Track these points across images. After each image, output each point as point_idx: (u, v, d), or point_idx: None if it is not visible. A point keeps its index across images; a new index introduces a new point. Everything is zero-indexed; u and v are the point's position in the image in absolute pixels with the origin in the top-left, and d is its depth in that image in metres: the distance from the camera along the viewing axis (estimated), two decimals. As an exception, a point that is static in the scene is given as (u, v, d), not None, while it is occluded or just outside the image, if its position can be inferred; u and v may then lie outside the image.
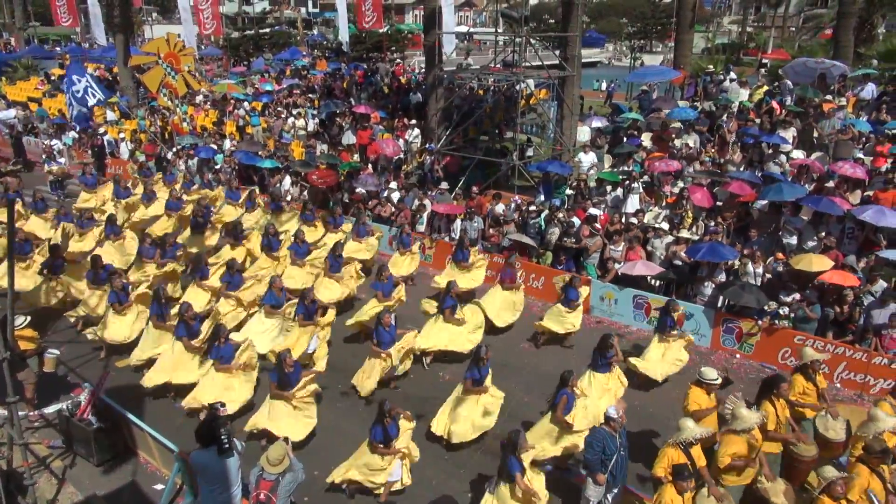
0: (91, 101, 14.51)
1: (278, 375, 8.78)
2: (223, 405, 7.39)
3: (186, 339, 10.07)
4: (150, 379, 9.91)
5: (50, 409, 9.30)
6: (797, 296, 11.10)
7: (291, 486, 6.63)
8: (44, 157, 22.02)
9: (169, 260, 13.16)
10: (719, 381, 8.28)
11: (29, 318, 9.76)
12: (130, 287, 11.75)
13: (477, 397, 8.93)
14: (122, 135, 23.22)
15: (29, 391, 9.46)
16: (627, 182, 15.04)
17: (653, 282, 12.81)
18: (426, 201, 15.76)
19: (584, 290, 12.05)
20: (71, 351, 11.27)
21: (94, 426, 8.56)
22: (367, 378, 10.07)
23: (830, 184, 13.62)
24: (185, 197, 16.88)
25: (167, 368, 9.99)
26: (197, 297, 12.07)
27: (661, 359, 10.54)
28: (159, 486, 8.21)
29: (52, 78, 32.18)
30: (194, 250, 14.17)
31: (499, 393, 9.19)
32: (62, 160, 21.94)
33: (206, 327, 10.75)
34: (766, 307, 11.04)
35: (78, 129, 23.46)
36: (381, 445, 7.81)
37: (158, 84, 21.57)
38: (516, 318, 12.24)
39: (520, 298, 12.25)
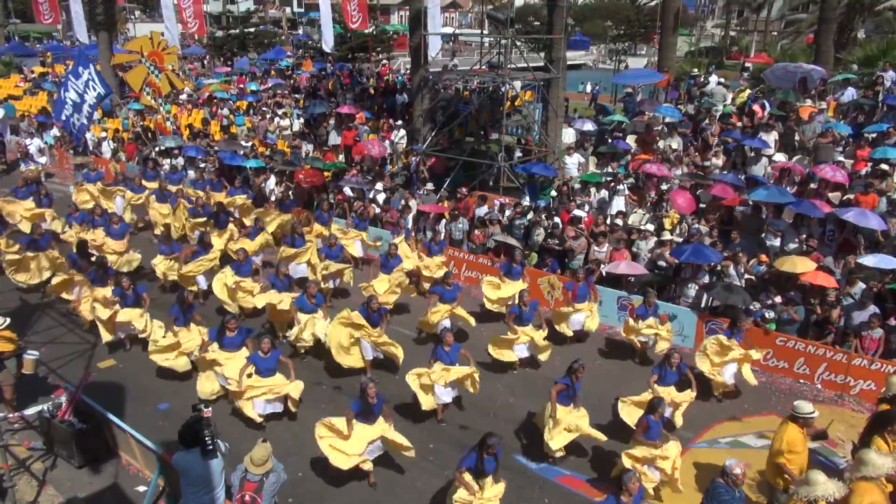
0: (90, 97, 13.98)
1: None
2: (207, 406, 7.32)
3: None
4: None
5: (30, 411, 9.19)
6: (779, 298, 11.23)
7: (276, 486, 6.60)
8: (19, 156, 21.66)
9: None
10: (816, 414, 7.27)
11: (9, 319, 9.62)
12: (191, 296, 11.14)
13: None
14: (104, 133, 22.98)
15: (7, 393, 9.33)
16: (612, 184, 15.13)
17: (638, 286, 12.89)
18: (412, 202, 15.76)
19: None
20: (51, 352, 11.13)
21: (76, 427, 8.46)
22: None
23: (812, 186, 13.79)
24: (171, 189, 16.95)
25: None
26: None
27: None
28: (142, 488, 8.13)
29: (33, 75, 31.80)
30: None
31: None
32: (42, 159, 21.63)
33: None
34: (750, 307, 11.15)
35: (58, 127, 23.17)
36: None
37: (142, 83, 21.41)
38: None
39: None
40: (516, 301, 11.33)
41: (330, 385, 10.51)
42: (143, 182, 17.68)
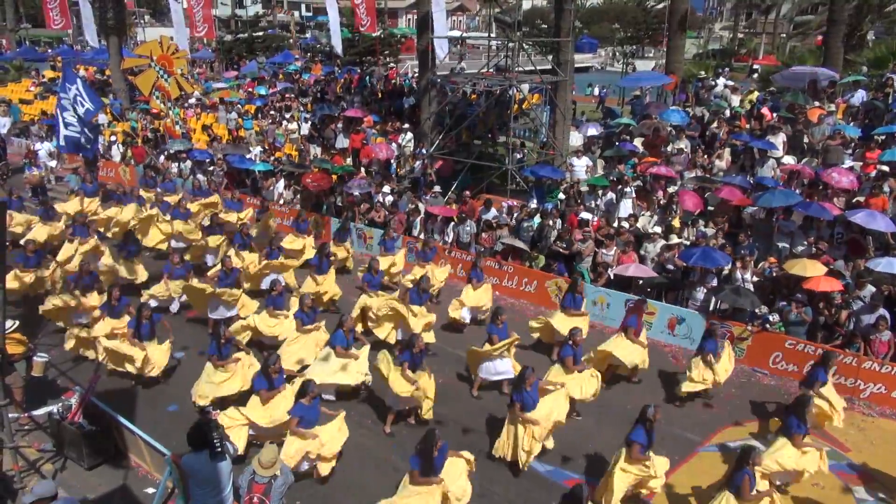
0: (80, 111, 13.34)
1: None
2: (214, 409, 7.35)
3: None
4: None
5: (40, 412, 9.25)
6: (783, 302, 11.18)
7: (283, 488, 6.63)
8: (25, 161, 21.75)
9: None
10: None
11: (17, 322, 9.69)
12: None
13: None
14: (113, 137, 23.13)
15: (17, 395, 9.38)
16: (620, 187, 15.11)
17: (648, 289, 12.87)
18: (419, 205, 15.79)
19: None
20: (61, 355, 11.19)
21: (85, 429, 8.51)
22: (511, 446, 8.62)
23: (821, 188, 13.73)
24: (190, 207, 16.55)
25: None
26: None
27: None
28: (150, 490, 8.17)
29: (44, 79, 32.05)
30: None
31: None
32: (53, 163, 21.76)
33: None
34: (758, 310, 11.11)
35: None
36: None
37: (151, 87, 21.55)
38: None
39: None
40: (568, 339, 9.71)
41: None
42: (142, 191, 17.55)
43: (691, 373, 10.00)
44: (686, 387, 10.02)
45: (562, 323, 11.08)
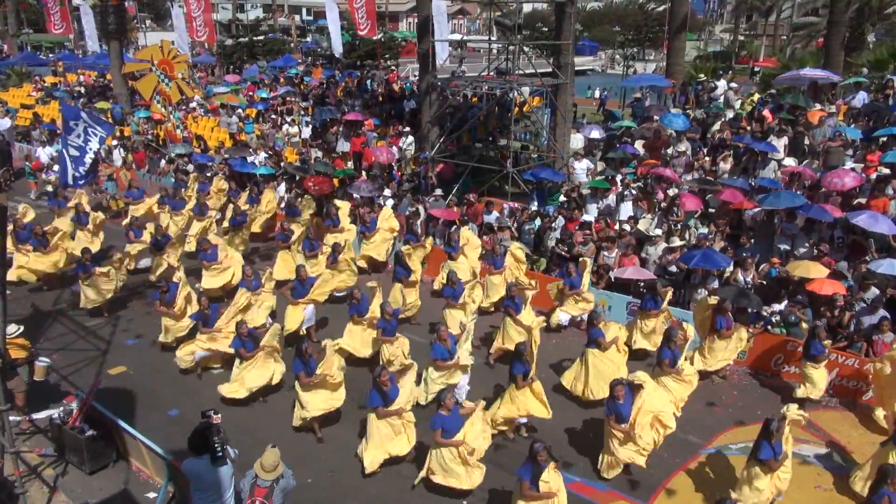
0: (93, 146, 13.11)
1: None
2: (216, 412, 7.35)
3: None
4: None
5: (41, 416, 9.26)
6: (784, 304, 11.17)
7: (286, 492, 6.62)
8: (27, 165, 21.65)
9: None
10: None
11: (22, 327, 9.71)
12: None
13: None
14: (115, 141, 23.16)
15: (19, 399, 9.40)
16: (620, 189, 15.10)
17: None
18: (420, 208, 15.79)
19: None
20: (63, 359, 11.21)
21: (87, 434, 8.51)
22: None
23: (822, 190, 13.71)
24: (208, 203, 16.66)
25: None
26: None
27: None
28: (152, 495, 8.18)
29: (45, 85, 32.13)
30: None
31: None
32: (56, 167, 21.75)
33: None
34: (765, 310, 11.10)
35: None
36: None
37: (152, 91, 21.57)
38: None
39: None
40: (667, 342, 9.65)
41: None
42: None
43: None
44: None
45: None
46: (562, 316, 12.35)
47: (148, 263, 14.42)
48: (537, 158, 19.80)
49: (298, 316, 11.52)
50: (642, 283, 12.43)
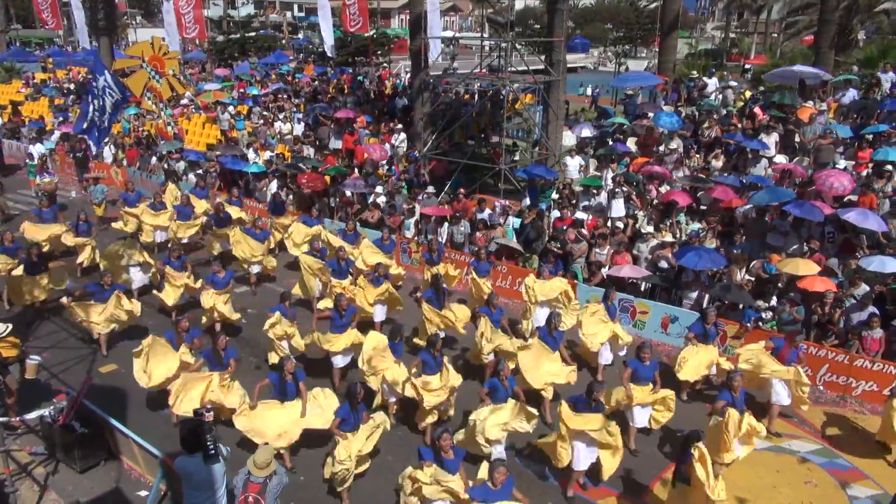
0: (108, 104, 13.02)
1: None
2: (209, 410, 7.31)
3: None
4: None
5: (32, 415, 9.19)
6: (774, 300, 11.23)
7: (278, 488, 6.62)
8: (27, 161, 21.59)
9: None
10: None
11: (10, 325, 9.63)
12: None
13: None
14: (106, 139, 22.97)
15: (10, 399, 9.34)
16: (612, 187, 15.14)
17: (642, 285, 12.89)
18: (414, 205, 15.79)
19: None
20: (54, 357, 11.14)
21: (77, 432, 8.47)
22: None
23: (812, 188, 13.76)
24: (194, 205, 16.12)
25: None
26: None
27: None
28: (143, 493, 8.14)
29: (34, 81, 31.89)
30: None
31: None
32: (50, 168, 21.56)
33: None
34: (752, 307, 11.16)
35: (59, 134, 23.20)
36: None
37: (143, 88, 21.42)
38: None
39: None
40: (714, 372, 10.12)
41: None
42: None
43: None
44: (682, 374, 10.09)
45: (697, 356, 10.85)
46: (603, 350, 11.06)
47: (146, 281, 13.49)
48: (535, 152, 19.79)
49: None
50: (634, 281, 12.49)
